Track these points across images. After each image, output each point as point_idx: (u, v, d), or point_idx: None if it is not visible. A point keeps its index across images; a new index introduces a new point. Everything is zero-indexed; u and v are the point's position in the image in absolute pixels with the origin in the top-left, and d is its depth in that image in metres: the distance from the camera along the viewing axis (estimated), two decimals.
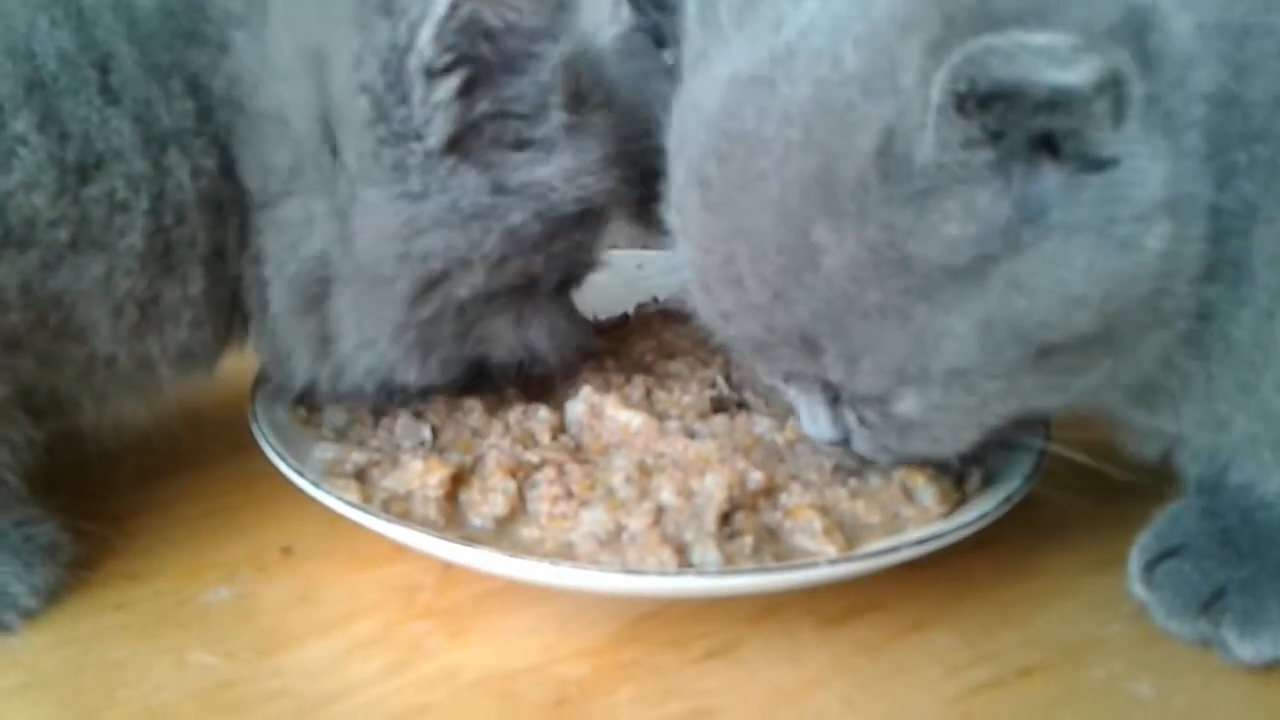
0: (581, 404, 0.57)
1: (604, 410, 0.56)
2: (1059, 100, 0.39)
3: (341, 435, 0.58)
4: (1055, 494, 0.57)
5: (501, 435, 0.56)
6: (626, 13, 0.69)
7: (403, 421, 0.58)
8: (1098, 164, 0.41)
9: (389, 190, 0.51)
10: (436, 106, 0.50)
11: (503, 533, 0.51)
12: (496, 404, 0.59)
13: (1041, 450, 0.56)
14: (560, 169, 0.53)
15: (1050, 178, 0.42)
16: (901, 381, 0.46)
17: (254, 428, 0.56)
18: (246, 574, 0.55)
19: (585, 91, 0.54)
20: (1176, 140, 0.43)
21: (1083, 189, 0.42)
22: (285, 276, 0.53)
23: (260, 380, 0.60)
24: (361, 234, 0.51)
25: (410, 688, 0.48)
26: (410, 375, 0.56)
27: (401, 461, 0.53)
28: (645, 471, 0.53)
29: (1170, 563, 0.52)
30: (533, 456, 0.53)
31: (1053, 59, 0.39)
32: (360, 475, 0.53)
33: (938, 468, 0.53)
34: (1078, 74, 0.39)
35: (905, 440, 0.49)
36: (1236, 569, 0.51)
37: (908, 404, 0.47)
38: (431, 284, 0.52)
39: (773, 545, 0.50)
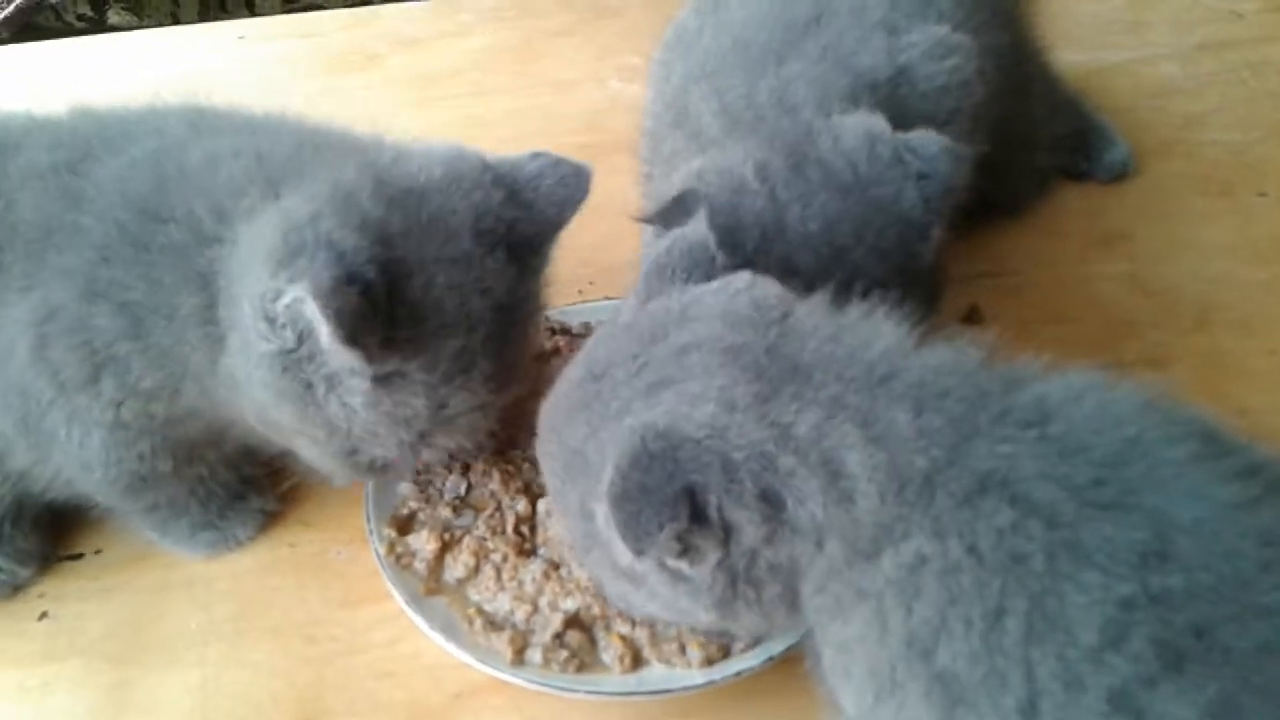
0: (543, 504, 0.90)
1: (553, 515, 0.89)
2: None
3: (423, 470, 0.94)
4: None
5: (490, 515, 0.90)
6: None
7: (452, 478, 0.93)
8: None
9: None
10: None
11: (460, 588, 0.87)
12: (514, 472, 0.93)
13: None
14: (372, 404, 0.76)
15: None
16: None
17: None
18: (357, 542, 0.95)
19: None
20: None
21: None
22: None
23: None
24: None
25: (392, 658, 0.88)
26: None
27: (423, 522, 0.90)
28: (548, 576, 0.86)
29: None
30: (490, 544, 0.88)
31: None
32: (409, 519, 0.91)
33: (708, 635, 0.82)
34: None
35: None
36: None
37: None
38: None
39: (587, 654, 0.82)
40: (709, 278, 0.72)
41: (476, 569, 0.87)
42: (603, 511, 0.64)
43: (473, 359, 0.76)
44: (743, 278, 0.71)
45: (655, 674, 0.82)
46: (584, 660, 0.82)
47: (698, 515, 0.63)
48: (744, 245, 0.79)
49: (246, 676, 0.88)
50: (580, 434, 0.68)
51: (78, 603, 0.92)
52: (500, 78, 1.43)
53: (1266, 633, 0.54)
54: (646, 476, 0.62)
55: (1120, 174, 1.24)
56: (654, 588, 0.69)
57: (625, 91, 1.38)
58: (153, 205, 0.79)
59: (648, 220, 0.86)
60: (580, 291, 1.11)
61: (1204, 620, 0.54)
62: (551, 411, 0.73)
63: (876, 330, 0.67)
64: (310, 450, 0.83)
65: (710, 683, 0.80)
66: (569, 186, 0.82)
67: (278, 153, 0.80)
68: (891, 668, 0.61)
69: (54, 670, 0.89)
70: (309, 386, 0.75)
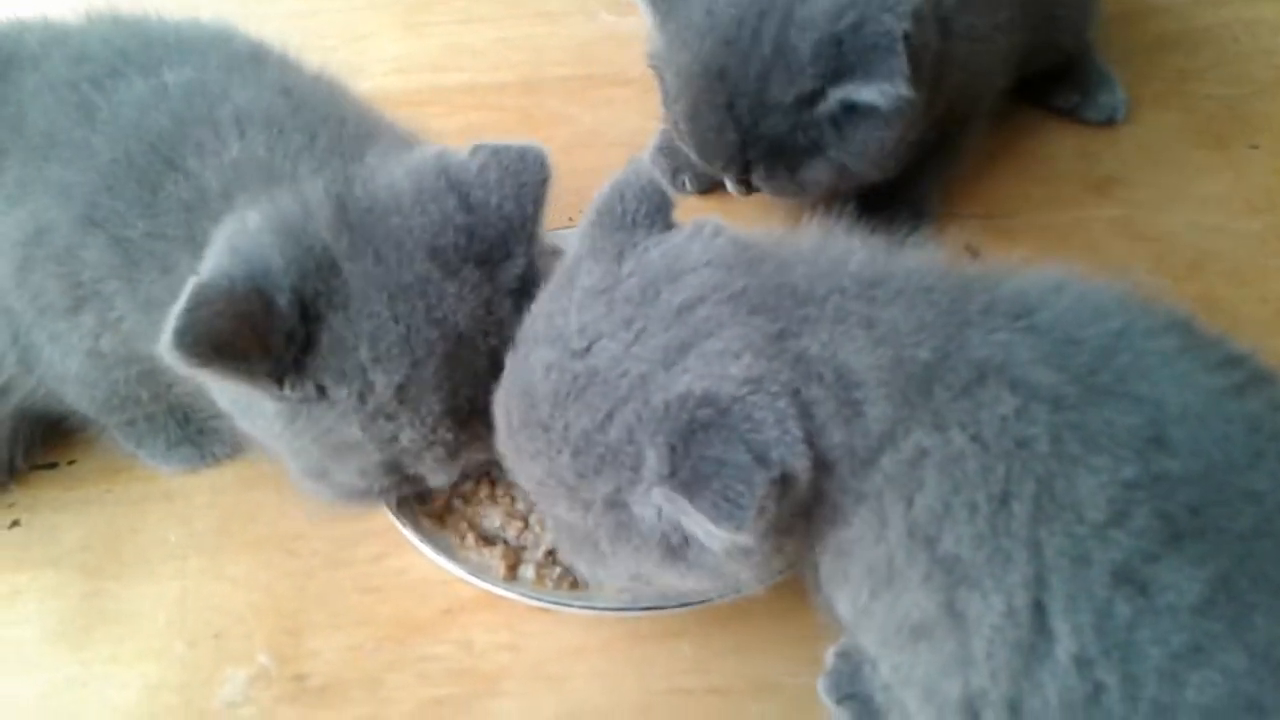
0: None
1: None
2: None
3: None
4: None
5: None
6: None
7: None
8: None
9: None
10: None
11: (447, 505, 0.85)
12: None
13: None
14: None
15: None
16: None
17: None
18: None
19: None
20: None
21: None
22: None
23: None
24: None
25: (378, 573, 0.86)
26: None
27: None
28: None
29: (851, 702, 0.77)
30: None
31: None
32: None
33: None
34: None
35: None
36: None
37: None
38: None
39: None
40: (669, 222, 0.67)
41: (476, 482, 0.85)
42: (657, 498, 0.60)
43: (420, 393, 0.70)
44: (709, 223, 0.67)
45: (650, 591, 0.80)
46: (577, 577, 0.81)
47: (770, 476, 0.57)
48: None
49: (226, 589, 0.85)
50: (587, 422, 0.61)
51: (51, 513, 0.89)
52: (489, 6, 1.39)
53: (1257, 517, 0.55)
54: (709, 450, 0.57)
55: (1110, 117, 1.23)
56: (699, 560, 0.64)
57: (617, 25, 1.36)
58: (167, 145, 0.74)
59: None
60: (570, 219, 1.08)
61: (1199, 502, 0.55)
62: (525, 401, 0.64)
63: (847, 244, 0.66)
64: (286, 462, 0.78)
65: (707, 601, 0.78)
66: (520, 173, 0.73)
67: (296, 138, 0.75)
68: (889, 560, 0.60)
69: (25, 579, 0.86)
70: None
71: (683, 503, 0.57)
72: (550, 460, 0.63)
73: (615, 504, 0.62)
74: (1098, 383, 0.59)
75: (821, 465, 0.60)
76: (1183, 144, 1.23)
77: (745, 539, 0.58)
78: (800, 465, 0.58)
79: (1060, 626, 0.56)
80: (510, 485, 0.85)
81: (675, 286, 0.62)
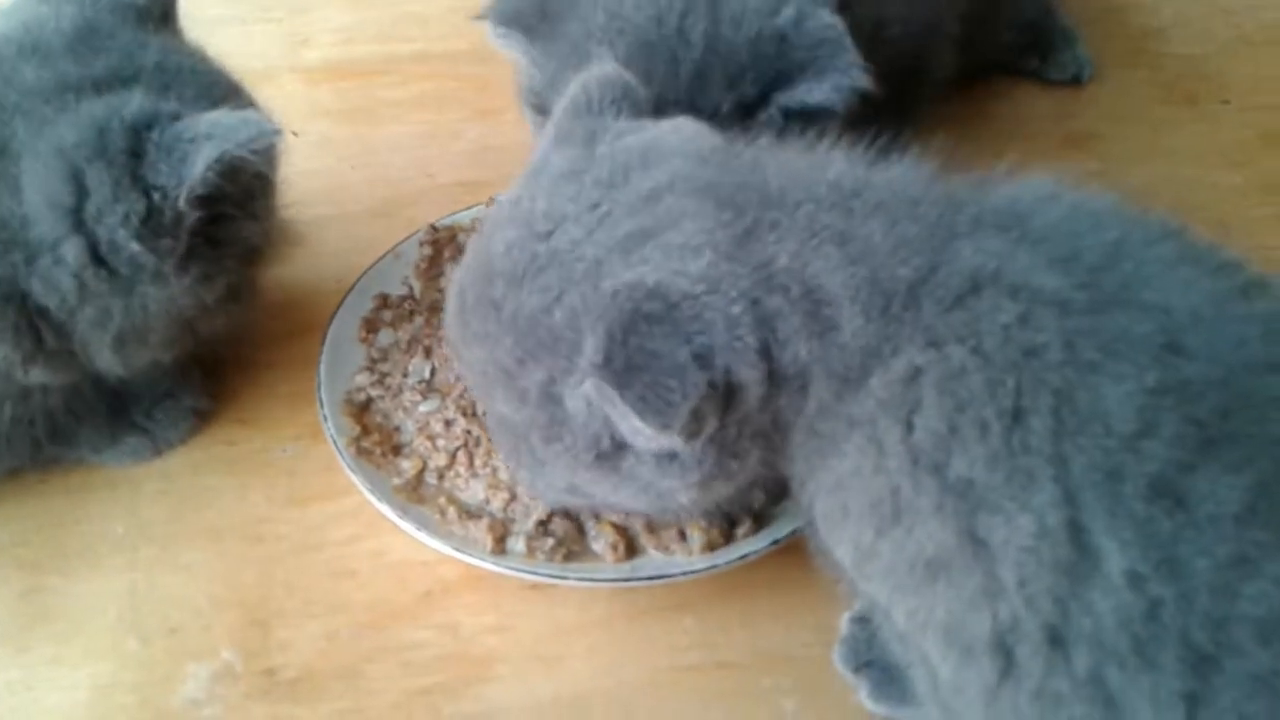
0: None
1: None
2: None
3: (380, 359, 0.85)
4: None
5: (458, 397, 0.82)
6: None
7: (415, 361, 0.85)
8: None
9: None
10: None
11: (419, 479, 0.79)
12: None
13: None
14: None
15: None
16: None
17: (323, 341, 0.85)
18: (306, 438, 0.85)
19: None
20: None
21: None
22: None
23: (342, 303, 0.88)
24: None
25: (352, 556, 0.79)
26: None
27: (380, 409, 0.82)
28: None
29: (869, 670, 0.72)
30: (463, 425, 0.80)
31: None
32: (365, 405, 0.83)
33: (710, 519, 0.75)
34: None
35: None
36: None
37: None
38: None
39: (575, 543, 0.75)
40: (638, 110, 0.67)
41: (452, 454, 0.79)
42: (587, 390, 0.58)
43: None
44: (688, 122, 0.66)
45: (652, 561, 0.75)
46: (571, 549, 0.75)
47: (711, 381, 0.56)
48: None
49: (181, 581, 0.78)
50: (537, 303, 0.59)
51: None
52: None
53: None
54: (649, 342, 0.55)
55: (1075, 75, 1.21)
56: (633, 473, 0.62)
57: None
58: None
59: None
60: None
61: (1227, 406, 0.52)
62: (482, 279, 0.63)
63: (828, 154, 0.63)
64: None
65: (713, 567, 0.73)
66: None
67: None
68: (894, 492, 0.56)
69: None
70: None
71: (611, 394, 0.55)
72: (495, 342, 0.62)
73: (550, 396, 0.60)
74: (1104, 289, 0.55)
75: (783, 381, 0.58)
76: (1152, 101, 1.22)
77: (671, 441, 0.57)
78: (749, 376, 0.57)
79: (1106, 544, 0.52)
80: (490, 454, 0.79)
81: (646, 173, 0.61)
